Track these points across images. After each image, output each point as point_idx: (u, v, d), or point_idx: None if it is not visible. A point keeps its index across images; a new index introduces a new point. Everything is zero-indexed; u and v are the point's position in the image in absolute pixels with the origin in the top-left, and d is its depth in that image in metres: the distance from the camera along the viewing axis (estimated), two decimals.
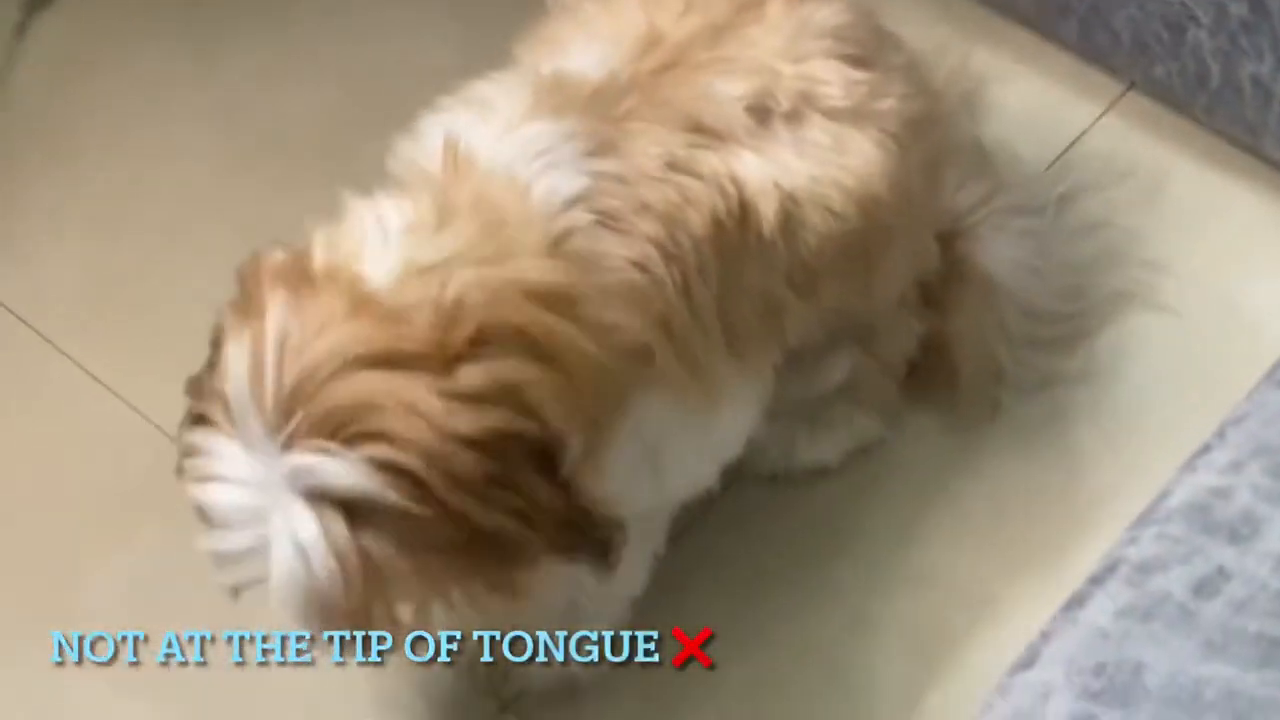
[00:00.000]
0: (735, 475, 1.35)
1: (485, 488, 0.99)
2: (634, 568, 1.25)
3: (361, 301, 0.99)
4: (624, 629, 1.28)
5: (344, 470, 0.96)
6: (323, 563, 0.97)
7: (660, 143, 1.11)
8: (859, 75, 1.17)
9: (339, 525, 0.97)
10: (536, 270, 1.03)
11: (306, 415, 0.97)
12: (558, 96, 1.11)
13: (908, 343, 1.38)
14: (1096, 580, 0.73)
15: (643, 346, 1.09)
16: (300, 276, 1.01)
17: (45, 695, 1.37)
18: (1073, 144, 1.56)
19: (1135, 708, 0.68)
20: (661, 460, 1.17)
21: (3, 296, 1.57)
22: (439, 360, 0.98)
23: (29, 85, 1.69)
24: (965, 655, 1.33)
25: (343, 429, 0.97)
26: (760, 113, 1.14)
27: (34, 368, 1.54)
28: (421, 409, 0.97)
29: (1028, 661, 0.71)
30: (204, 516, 1.02)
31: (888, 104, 1.19)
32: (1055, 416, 1.45)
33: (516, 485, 1.00)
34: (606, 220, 1.08)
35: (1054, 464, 1.42)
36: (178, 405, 1.44)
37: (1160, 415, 1.43)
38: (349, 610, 1.00)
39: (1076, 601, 0.73)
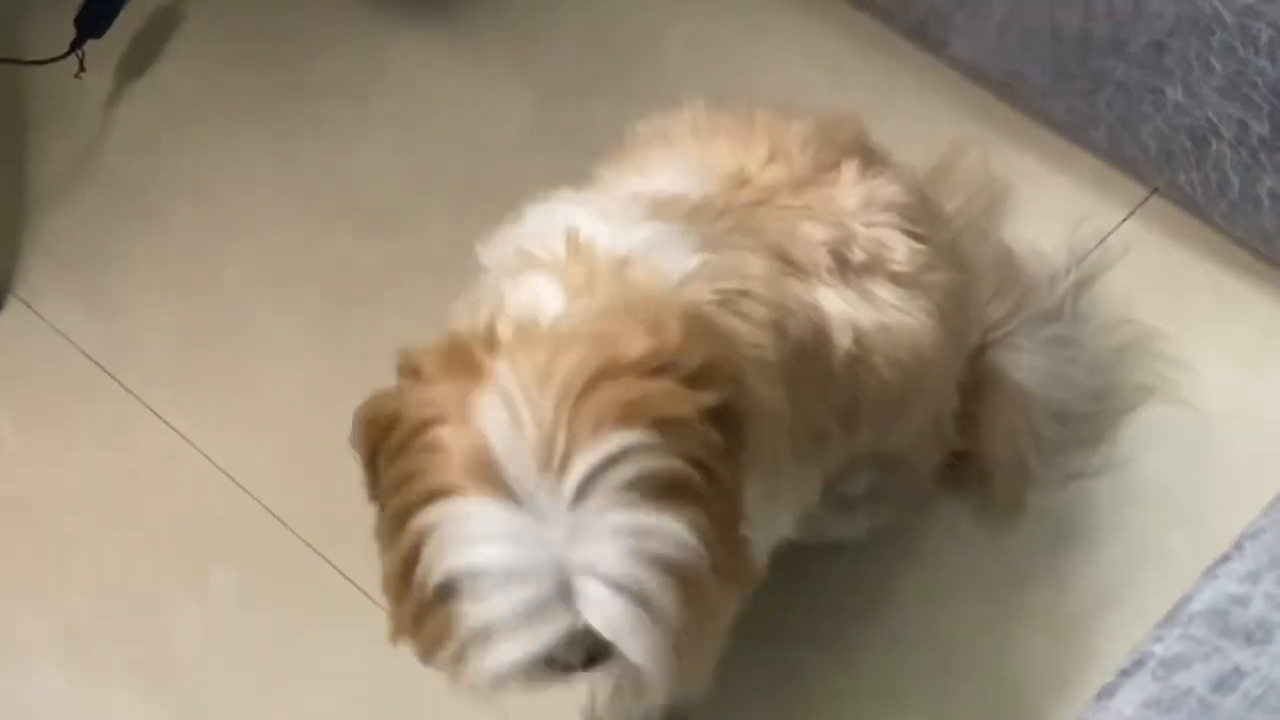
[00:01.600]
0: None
1: (727, 460, 1.03)
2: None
3: (568, 341, 1.02)
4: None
5: (640, 455, 0.97)
6: (648, 572, 0.97)
7: (757, 260, 1.18)
8: (918, 247, 1.28)
9: (655, 518, 0.97)
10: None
11: (575, 434, 0.97)
12: (661, 210, 1.18)
13: (936, 459, 1.46)
14: (1126, 674, 0.82)
15: (780, 413, 1.15)
16: (496, 344, 1.03)
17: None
18: (1098, 245, 1.66)
19: None
20: None
21: (90, 350, 1.64)
22: (658, 359, 1.01)
23: (121, 151, 1.76)
24: None
25: (617, 431, 0.98)
26: (840, 258, 1.23)
27: (117, 418, 1.61)
28: (674, 394, 1.00)
29: None
30: (461, 589, 0.99)
31: (938, 278, 1.29)
32: (1078, 504, 1.53)
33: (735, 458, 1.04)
34: (726, 300, 1.14)
35: (1076, 549, 1.50)
36: (252, 458, 1.57)
37: (1178, 503, 1.51)
38: (677, 625, 0.99)
39: (1107, 693, 0.82)
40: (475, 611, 0.99)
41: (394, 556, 1.03)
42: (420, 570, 1.00)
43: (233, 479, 1.56)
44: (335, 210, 1.72)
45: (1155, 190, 1.67)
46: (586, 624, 0.98)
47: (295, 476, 1.56)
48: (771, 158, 1.27)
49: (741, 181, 1.24)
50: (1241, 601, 0.83)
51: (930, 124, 1.69)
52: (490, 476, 0.97)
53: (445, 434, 0.99)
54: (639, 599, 0.98)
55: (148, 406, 1.61)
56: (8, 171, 1.75)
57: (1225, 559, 0.86)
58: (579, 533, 0.97)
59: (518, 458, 0.97)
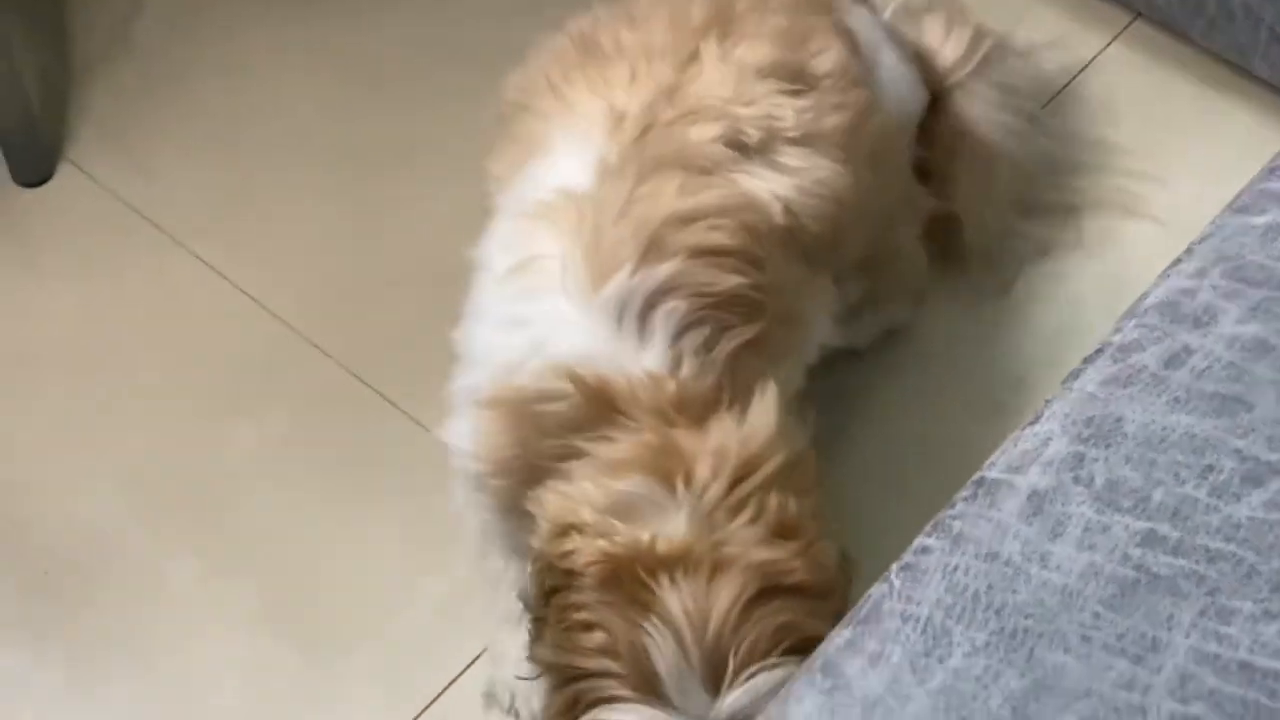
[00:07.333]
0: None
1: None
2: None
3: (712, 563, 1.12)
4: None
5: (786, 677, 1.05)
6: None
7: (675, 189, 1.23)
8: (802, 103, 1.32)
9: None
10: (736, 439, 1.17)
11: (738, 657, 1.09)
12: (579, 224, 1.22)
13: (917, 231, 1.53)
14: (1088, 360, 0.92)
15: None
16: (659, 561, 1.12)
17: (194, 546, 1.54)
18: (1082, 70, 1.74)
19: (1116, 448, 0.87)
20: None
21: (142, 208, 1.73)
22: (811, 591, 1.13)
23: (155, 26, 1.87)
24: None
25: (771, 653, 1.10)
26: (737, 145, 1.28)
27: (166, 267, 1.70)
28: (816, 614, 1.11)
29: (1034, 420, 0.91)
30: None
31: (831, 122, 1.33)
32: (1051, 296, 1.61)
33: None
34: (699, 296, 1.21)
35: (1053, 337, 1.59)
36: (296, 298, 1.67)
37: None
38: None
39: (1072, 376, 0.92)
40: None
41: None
42: None
43: (278, 317, 1.65)
44: (364, 80, 1.81)
45: (1138, 15, 1.75)
46: None
47: (336, 312, 1.66)
48: (633, 77, 1.30)
49: (618, 118, 1.27)
50: (1190, 293, 0.93)
51: None
52: (658, 694, 1.10)
53: (611, 643, 1.12)
54: None
55: (195, 255, 1.70)
56: (54, 45, 1.85)
57: (1176, 261, 0.96)
58: None
59: (685, 684, 1.10)
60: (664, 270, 1.20)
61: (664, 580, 1.11)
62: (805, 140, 1.32)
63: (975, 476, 0.89)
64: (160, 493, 1.57)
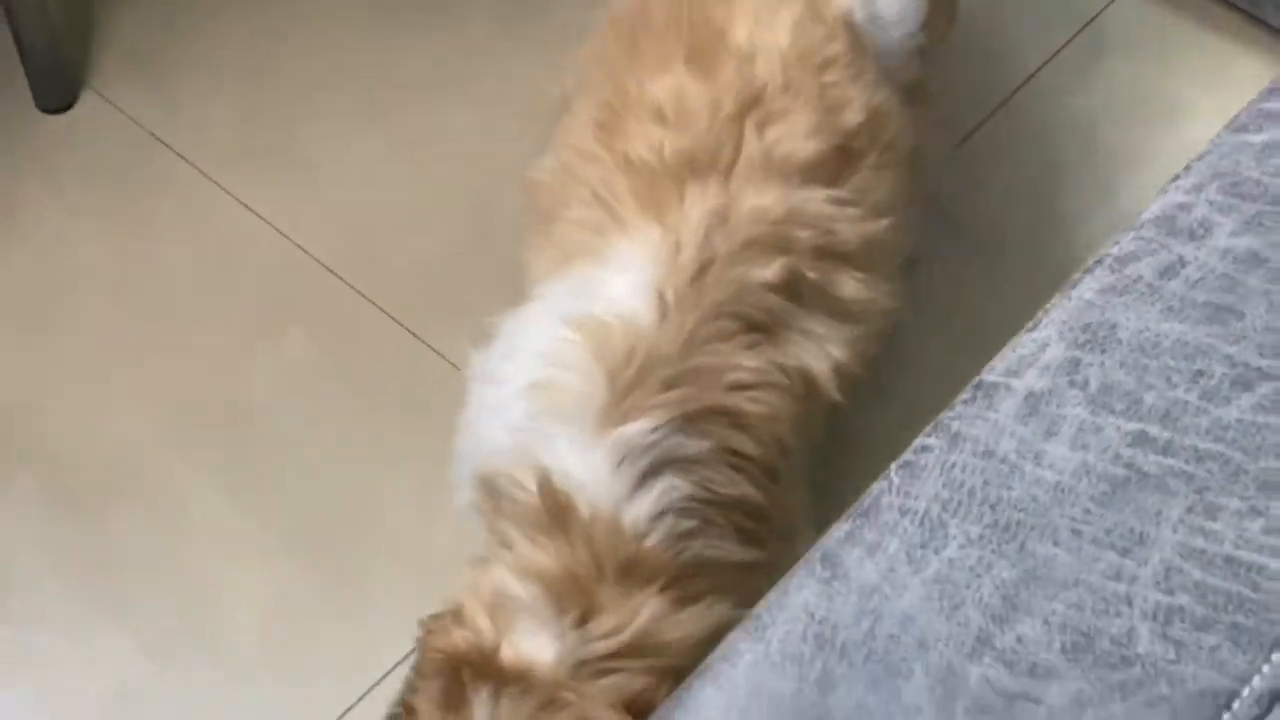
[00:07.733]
0: None
1: None
2: None
3: (546, 698, 1.10)
4: None
5: None
6: None
7: (734, 361, 1.21)
8: (851, 211, 1.27)
9: None
10: (652, 618, 1.14)
11: None
12: (624, 362, 1.19)
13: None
14: (1086, 270, 0.95)
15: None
16: (493, 671, 1.11)
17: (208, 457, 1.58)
18: (1094, 18, 1.77)
19: (1110, 353, 0.90)
20: None
21: (165, 137, 1.78)
22: None
23: None
24: None
25: None
26: (793, 292, 1.24)
27: (189, 195, 1.74)
28: None
29: (1032, 326, 0.94)
30: None
31: (878, 224, 1.29)
32: (1062, 240, 1.66)
33: None
34: (702, 489, 1.19)
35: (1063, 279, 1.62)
36: (317, 228, 1.70)
37: None
38: None
39: (1070, 285, 0.95)
40: None
41: None
42: None
43: (303, 248, 1.70)
44: (396, 11, 1.84)
45: None
46: None
47: (362, 245, 1.70)
48: (681, 196, 1.23)
49: (675, 248, 1.23)
50: (1186, 208, 0.95)
51: None
52: None
53: None
54: None
55: (219, 185, 1.74)
56: None
57: (1175, 178, 0.98)
58: None
59: None
60: (690, 448, 1.18)
61: (485, 692, 1.10)
62: (861, 254, 1.28)
63: (974, 380, 0.92)
64: (186, 419, 1.62)
